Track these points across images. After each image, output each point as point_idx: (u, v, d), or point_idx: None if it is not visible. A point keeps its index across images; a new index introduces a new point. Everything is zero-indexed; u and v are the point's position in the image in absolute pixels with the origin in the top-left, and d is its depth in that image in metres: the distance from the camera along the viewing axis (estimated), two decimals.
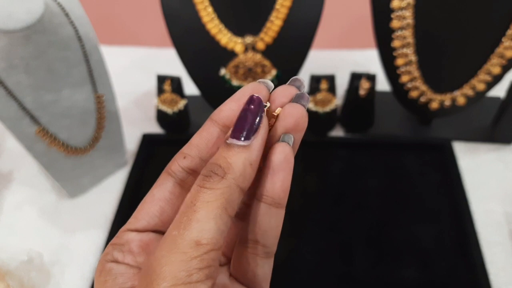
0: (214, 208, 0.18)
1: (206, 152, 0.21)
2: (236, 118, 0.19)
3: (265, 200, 0.20)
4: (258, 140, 0.19)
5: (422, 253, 0.49)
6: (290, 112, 0.20)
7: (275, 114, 0.21)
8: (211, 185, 0.18)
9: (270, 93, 0.21)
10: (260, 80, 0.22)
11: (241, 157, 0.19)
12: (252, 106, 0.19)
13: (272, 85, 0.21)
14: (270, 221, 0.20)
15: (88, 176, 0.55)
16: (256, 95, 0.20)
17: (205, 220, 0.18)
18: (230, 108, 0.21)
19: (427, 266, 0.48)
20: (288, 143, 0.20)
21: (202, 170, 0.19)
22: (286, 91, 0.21)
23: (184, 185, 0.22)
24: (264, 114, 0.20)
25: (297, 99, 0.21)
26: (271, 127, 0.21)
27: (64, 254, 0.50)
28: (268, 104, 0.21)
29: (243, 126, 0.19)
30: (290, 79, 0.22)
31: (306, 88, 0.22)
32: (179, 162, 0.21)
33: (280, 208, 0.20)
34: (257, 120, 0.19)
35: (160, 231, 0.22)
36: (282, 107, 0.21)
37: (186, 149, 0.22)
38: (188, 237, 0.18)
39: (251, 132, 0.19)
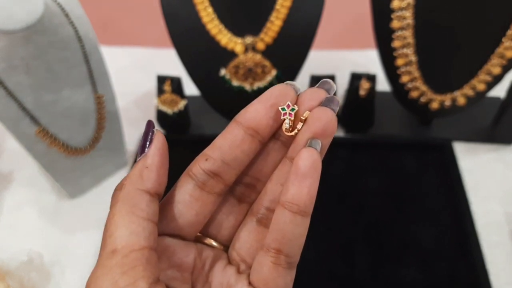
0: (121, 216, 0.19)
1: (229, 154, 0.21)
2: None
3: (290, 208, 0.19)
4: (151, 147, 0.20)
5: (422, 253, 0.49)
6: (319, 116, 0.20)
7: (303, 117, 0.20)
8: (115, 200, 0.20)
9: (298, 95, 0.21)
10: (287, 82, 0.21)
11: (138, 165, 0.20)
12: (145, 128, 0.21)
13: (299, 87, 0.21)
14: (295, 230, 0.20)
15: (88, 176, 0.55)
16: (149, 120, 0.21)
17: (115, 230, 0.19)
18: (256, 110, 0.20)
19: (427, 266, 0.48)
20: (316, 149, 0.19)
21: None
22: (315, 94, 0.20)
23: (205, 188, 0.21)
24: (156, 129, 0.21)
25: (326, 102, 0.20)
26: (298, 131, 0.20)
27: (64, 255, 0.50)
28: (296, 107, 0.20)
29: (142, 147, 0.21)
30: (320, 82, 0.21)
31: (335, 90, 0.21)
32: (201, 164, 0.21)
33: (306, 216, 0.20)
34: (149, 136, 0.21)
35: (177, 235, 0.22)
36: (310, 110, 0.20)
37: (208, 150, 0.21)
38: (105, 252, 0.18)
39: (145, 147, 0.20)
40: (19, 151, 0.60)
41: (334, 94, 0.21)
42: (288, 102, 0.20)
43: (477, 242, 0.49)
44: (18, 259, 0.47)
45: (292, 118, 0.20)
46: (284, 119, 0.20)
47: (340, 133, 0.61)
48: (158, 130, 0.21)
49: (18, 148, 0.60)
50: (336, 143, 0.60)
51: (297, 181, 0.19)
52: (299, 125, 0.20)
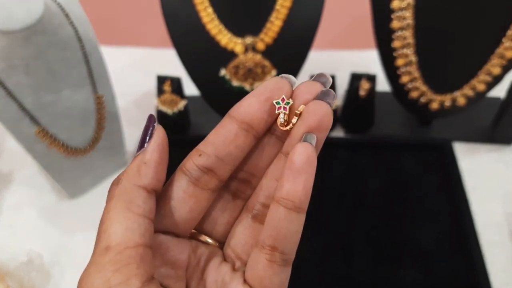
0: (116, 212, 0.19)
1: (223, 150, 0.20)
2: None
3: (285, 204, 0.19)
4: (151, 143, 0.20)
5: (422, 254, 0.49)
6: (314, 110, 0.19)
7: (298, 111, 0.20)
8: (111, 195, 0.19)
9: (294, 89, 0.20)
10: (283, 75, 0.20)
11: (136, 161, 0.20)
12: (146, 123, 0.20)
13: (295, 80, 0.20)
14: (290, 226, 0.19)
15: (88, 176, 0.55)
16: (151, 114, 0.21)
17: (110, 226, 0.18)
18: (250, 104, 0.20)
19: (427, 267, 0.48)
20: (311, 143, 0.19)
21: None
22: (310, 87, 0.20)
23: (198, 184, 0.21)
24: (156, 124, 0.20)
25: (322, 96, 0.20)
26: (293, 125, 0.20)
27: (64, 255, 0.50)
28: (291, 101, 0.20)
29: (142, 142, 0.20)
30: (316, 75, 0.21)
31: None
32: (194, 160, 0.20)
33: (301, 213, 0.19)
34: (149, 131, 0.20)
35: (171, 232, 0.21)
36: (305, 104, 0.20)
37: (202, 146, 0.21)
38: (99, 248, 0.18)
39: (145, 142, 0.20)
40: (19, 151, 0.60)
41: (331, 88, 0.21)
42: (283, 96, 0.20)
43: (477, 242, 0.49)
44: (18, 259, 0.47)
45: (287, 112, 0.20)
46: (279, 113, 0.20)
47: (340, 134, 0.61)
48: (159, 125, 0.20)
49: (18, 148, 0.60)
50: (336, 143, 0.60)
51: (292, 177, 0.18)
52: (294, 119, 0.20)
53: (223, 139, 0.20)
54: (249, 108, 0.20)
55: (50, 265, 0.49)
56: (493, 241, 0.49)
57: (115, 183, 0.20)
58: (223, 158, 0.20)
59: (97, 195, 0.56)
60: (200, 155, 0.20)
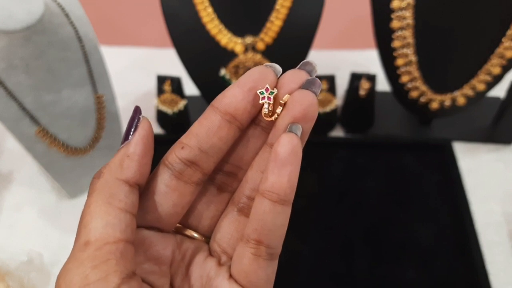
0: (97, 206, 0.18)
1: (206, 142, 0.20)
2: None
3: (269, 197, 0.18)
4: (135, 135, 0.19)
5: (422, 253, 0.49)
6: (299, 99, 0.19)
7: (283, 101, 0.19)
8: (92, 189, 0.19)
9: (278, 78, 0.20)
10: (267, 64, 0.20)
11: (119, 154, 0.19)
12: (132, 114, 0.20)
13: (280, 69, 0.20)
14: (275, 219, 0.19)
15: (88, 176, 0.55)
16: (136, 106, 0.20)
17: (90, 221, 0.18)
18: (234, 95, 0.19)
19: (427, 266, 0.48)
20: (296, 134, 0.18)
21: None
22: (295, 76, 0.19)
23: (181, 177, 0.20)
24: (142, 116, 0.20)
25: (307, 85, 0.19)
26: (278, 115, 0.19)
27: (64, 255, 0.50)
28: (275, 91, 0.19)
29: (127, 134, 0.19)
30: (301, 63, 0.20)
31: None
32: (177, 153, 0.20)
33: (286, 205, 0.19)
34: (134, 122, 0.20)
35: (154, 227, 0.21)
36: (290, 93, 0.19)
37: (184, 138, 0.20)
38: (78, 243, 0.18)
39: (129, 134, 0.19)
40: (19, 151, 0.60)
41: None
42: (267, 85, 0.19)
43: (476, 242, 0.49)
44: (18, 259, 0.47)
45: (271, 102, 0.19)
46: (263, 104, 0.19)
47: (340, 133, 0.61)
48: (144, 117, 0.20)
49: (18, 148, 0.60)
50: (336, 143, 0.60)
51: (277, 169, 0.18)
52: (279, 109, 0.19)
53: (206, 130, 0.20)
54: (232, 99, 0.19)
55: (50, 265, 0.49)
56: (493, 241, 0.49)
57: (96, 177, 0.19)
58: (206, 151, 0.20)
59: None
60: (182, 147, 0.20)
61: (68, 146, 0.49)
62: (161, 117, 0.60)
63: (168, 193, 0.20)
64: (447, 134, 0.60)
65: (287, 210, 0.19)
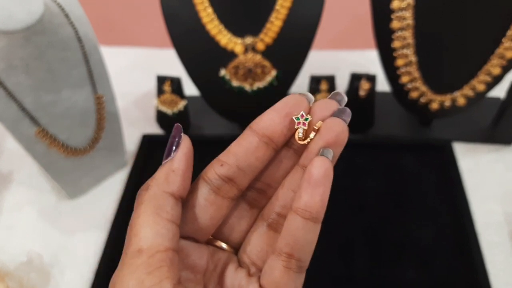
0: (146, 216, 0.20)
1: (244, 161, 0.21)
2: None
3: (302, 214, 0.20)
4: (178, 152, 0.21)
5: (422, 254, 0.49)
6: (331, 126, 0.20)
7: (316, 127, 0.21)
8: (141, 200, 0.20)
9: (311, 105, 0.22)
10: (301, 92, 0.22)
11: (164, 168, 0.21)
12: (173, 132, 0.22)
13: (312, 98, 0.22)
14: (306, 235, 0.20)
15: (88, 177, 0.55)
16: (177, 124, 0.22)
17: (140, 230, 0.19)
18: (271, 118, 0.21)
19: (426, 267, 0.48)
20: (328, 158, 0.20)
21: None
22: (327, 104, 0.21)
23: (219, 192, 0.22)
24: (183, 134, 0.21)
25: (338, 113, 0.21)
26: (311, 140, 0.21)
27: (63, 255, 0.50)
28: (309, 117, 0.21)
29: (169, 150, 0.21)
30: (332, 93, 0.22)
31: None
32: (216, 169, 0.21)
33: (317, 223, 0.20)
34: (176, 140, 0.21)
35: (191, 238, 0.22)
36: (323, 120, 0.21)
37: (223, 156, 0.22)
38: (130, 251, 0.19)
39: (172, 150, 0.21)
40: (19, 151, 0.60)
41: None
42: (302, 112, 0.21)
43: (476, 242, 0.49)
44: (18, 260, 0.47)
45: (306, 128, 0.21)
46: (298, 128, 0.21)
47: None
48: (185, 135, 0.22)
49: (18, 148, 0.60)
50: None
51: (310, 189, 0.20)
52: (312, 134, 0.21)
53: (244, 150, 0.21)
54: (270, 122, 0.21)
55: (50, 265, 0.49)
56: (492, 241, 0.49)
57: (144, 189, 0.21)
58: (243, 169, 0.21)
59: (97, 195, 0.56)
60: (222, 165, 0.21)
61: (68, 146, 0.49)
62: (161, 117, 0.60)
63: (207, 206, 0.22)
64: (447, 134, 0.60)
65: (318, 228, 0.21)
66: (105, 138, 0.53)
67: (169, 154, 0.21)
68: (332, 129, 0.20)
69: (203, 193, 0.22)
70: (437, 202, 0.53)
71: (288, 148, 0.22)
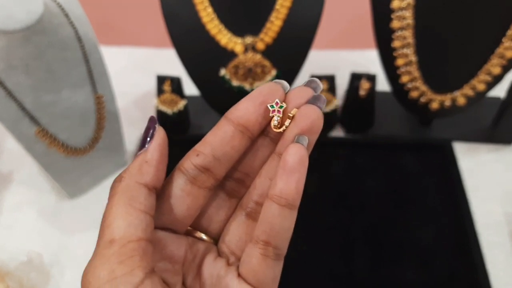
0: (119, 207, 0.20)
1: (220, 150, 0.21)
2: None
3: (278, 201, 0.20)
4: (152, 143, 0.21)
5: (422, 254, 0.49)
6: (306, 113, 0.21)
7: (291, 115, 0.21)
8: (114, 191, 0.20)
9: (286, 93, 0.22)
10: (276, 80, 0.22)
11: (138, 159, 0.21)
12: (148, 124, 0.21)
13: (287, 85, 0.22)
14: (283, 222, 0.20)
15: (88, 176, 0.55)
16: (152, 116, 0.22)
17: (113, 221, 0.19)
18: (245, 107, 0.21)
19: (427, 267, 0.48)
20: (303, 145, 0.20)
21: None
22: (302, 92, 0.21)
23: (196, 182, 0.22)
24: (157, 125, 0.21)
25: (313, 100, 0.21)
26: (286, 128, 0.21)
27: (63, 255, 0.50)
28: (284, 105, 0.21)
29: (143, 141, 0.21)
30: (307, 80, 0.22)
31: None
32: (192, 160, 0.21)
33: (293, 210, 0.20)
34: (150, 132, 0.21)
35: (168, 229, 0.22)
36: (298, 108, 0.21)
37: (199, 146, 0.22)
38: (103, 241, 0.19)
39: (146, 142, 0.21)
40: (19, 151, 0.60)
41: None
42: (277, 100, 0.21)
43: (476, 242, 0.49)
44: (18, 259, 0.47)
45: (281, 115, 0.21)
46: (273, 116, 0.21)
47: (340, 133, 0.61)
48: (159, 126, 0.22)
49: (18, 148, 0.60)
50: (336, 143, 0.60)
51: (285, 176, 0.20)
52: (287, 122, 0.21)
53: (220, 140, 0.21)
54: (245, 111, 0.21)
55: (50, 265, 0.49)
56: (493, 241, 0.49)
57: (117, 180, 0.21)
58: (219, 158, 0.21)
59: (97, 195, 0.56)
60: (197, 155, 0.21)
61: (67, 146, 0.49)
62: (161, 117, 0.60)
63: (183, 197, 0.22)
64: (447, 134, 0.60)
65: (294, 214, 0.21)
66: (105, 138, 0.53)
67: (143, 146, 0.21)
68: (307, 116, 0.20)
69: (179, 183, 0.22)
70: (437, 202, 0.53)
71: (264, 136, 0.23)
